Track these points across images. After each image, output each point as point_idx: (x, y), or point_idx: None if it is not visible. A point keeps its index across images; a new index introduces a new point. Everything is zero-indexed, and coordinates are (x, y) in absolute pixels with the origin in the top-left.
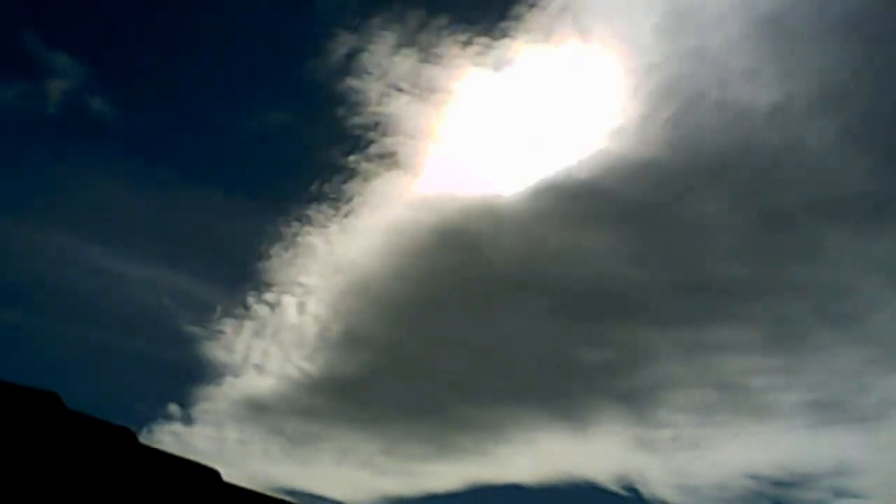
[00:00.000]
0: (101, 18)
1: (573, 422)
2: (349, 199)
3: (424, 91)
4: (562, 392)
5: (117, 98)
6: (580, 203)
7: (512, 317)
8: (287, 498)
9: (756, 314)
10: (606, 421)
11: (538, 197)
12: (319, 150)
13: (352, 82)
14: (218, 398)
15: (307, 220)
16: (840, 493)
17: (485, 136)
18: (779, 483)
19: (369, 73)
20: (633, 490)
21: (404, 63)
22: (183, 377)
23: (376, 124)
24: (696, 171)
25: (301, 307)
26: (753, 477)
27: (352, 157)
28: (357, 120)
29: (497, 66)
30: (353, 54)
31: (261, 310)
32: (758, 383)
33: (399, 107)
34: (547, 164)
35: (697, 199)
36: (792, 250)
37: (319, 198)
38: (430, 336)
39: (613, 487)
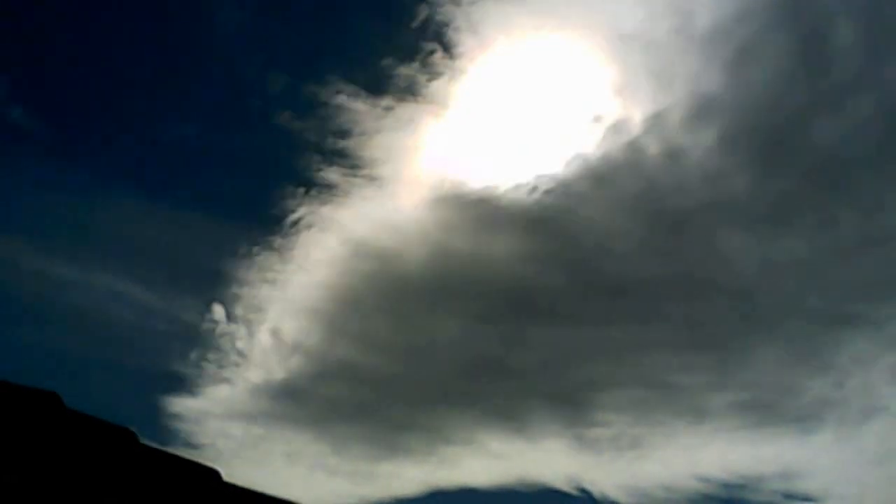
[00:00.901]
0: (17, 31)
1: (512, 422)
2: (265, 215)
3: (306, 108)
4: (494, 393)
5: (38, 109)
6: (475, 211)
7: (432, 321)
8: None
9: (670, 315)
10: (544, 421)
11: (435, 207)
12: (231, 166)
13: (243, 102)
14: (160, 404)
15: (231, 231)
16: (790, 496)
17: (374, 153)
18: (727, 485)
19: (251, 93)
20: (585, 492)
21: (278, 81)
22: (125, 383)
23: (272, 143)
24: (580, 179)
25: (230, 316)
26: (702, 479)
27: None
28: (253, 139)
29: (369, 86)
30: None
31: (191, 318)
32: (687, 383)
33: (284, 124)
34: (440, 176)
35: (587, 205)
36: (689, 253)
37: (239, 213)
38: (357, 340)
39: (566, 489)
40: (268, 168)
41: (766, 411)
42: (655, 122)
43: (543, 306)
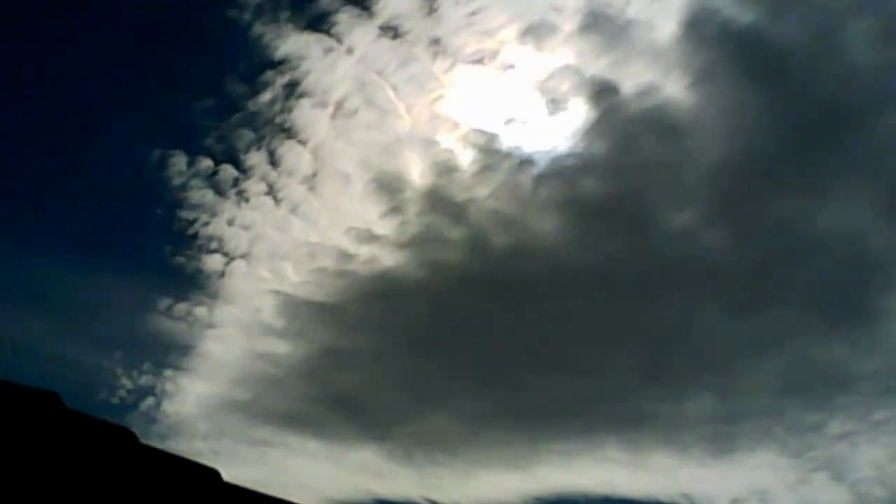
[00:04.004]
0: None
1: (313, 427)
2: None
3: None
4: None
5: None
6: None
7: None
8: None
9: (391, 324)
10: (342, 427)
11: None
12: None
13: None
14: None
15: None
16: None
17: None
18: (560, 492)
19: None
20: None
21: None
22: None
23: None
24: None
25: None
26: (537, 484)
27: None
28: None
29: None
30: None
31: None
32: (446, 386)
33: None
34: None
35: None
36: (360, 274)
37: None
38: None
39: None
40: None
41: (544, 419)
42: None
43: None
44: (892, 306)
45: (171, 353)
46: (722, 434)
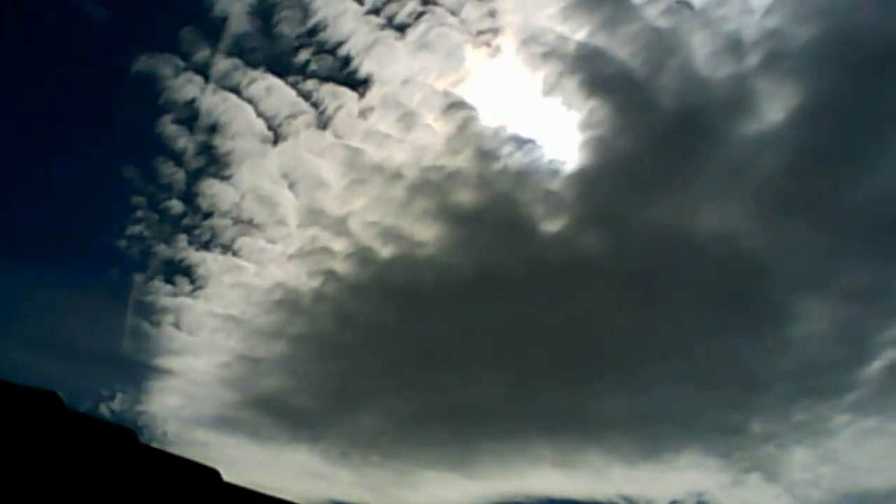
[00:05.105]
0: None
1: (246, 430)
2: None
3: None
4: None
5: None
6: None
7: None
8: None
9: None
10: (274, 429)
11: None
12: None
13: None
14: None
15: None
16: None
17: None
18: (503, 495)
19: None
20: None
21: None
22: None
23: None
24: None
25: None
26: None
27: None
28: None
29: None
30: None
31: None
32: (375, 389)
33: None
34: None
35: None
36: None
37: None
38: None
39: None
40: None
41: (472, 419)
42: None
43: None
44: (790, 307)
45: (99, 359)
46: (646, 434)
